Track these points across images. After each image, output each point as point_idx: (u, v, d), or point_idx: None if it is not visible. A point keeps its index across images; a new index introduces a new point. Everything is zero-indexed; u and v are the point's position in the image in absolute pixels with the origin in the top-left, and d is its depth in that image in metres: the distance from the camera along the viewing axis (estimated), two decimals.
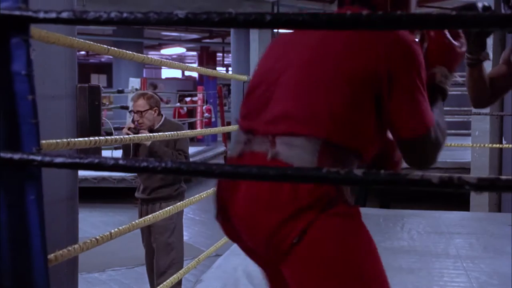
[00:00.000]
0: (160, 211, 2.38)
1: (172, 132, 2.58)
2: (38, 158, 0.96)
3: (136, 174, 3.87)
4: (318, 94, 1.37)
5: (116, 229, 1.92)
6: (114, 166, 0.91)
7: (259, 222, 1.32)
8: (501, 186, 0.71)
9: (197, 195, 2.84)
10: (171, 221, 3.69)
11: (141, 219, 2.14)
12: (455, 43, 1.54)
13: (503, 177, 0.71)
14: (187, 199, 2.64)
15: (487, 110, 6.75)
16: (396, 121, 1.39)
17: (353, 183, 0.74)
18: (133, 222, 2.06)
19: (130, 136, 2.09)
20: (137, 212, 3.97)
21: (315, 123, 1.34)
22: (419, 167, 1.47)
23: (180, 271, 2.86)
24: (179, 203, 2.53)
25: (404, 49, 1.39)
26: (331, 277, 1.30)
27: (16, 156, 0.95)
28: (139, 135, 2.67)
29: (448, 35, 1.54)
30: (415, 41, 1.45)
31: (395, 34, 1.39)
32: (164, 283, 2.64)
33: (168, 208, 2.44)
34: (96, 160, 0.91)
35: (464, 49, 1.58)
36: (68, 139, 1.59)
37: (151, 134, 2.47)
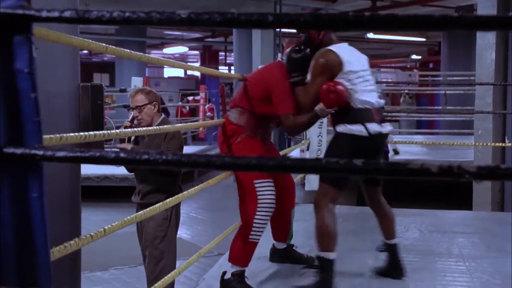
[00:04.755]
0: (151, 207, 2.33)
1: (169, 126, 2.55)
2: (40, 152, 0.96)
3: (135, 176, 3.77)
4: (240, 92, 3.42)
5: (109, 226, 1.91)
6: (115, 159, 0.91)
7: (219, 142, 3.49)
8: (501, 174, 0.71)
9: (196, 187, 2.81)
10: (161, 229, 3.54)
11: (132, 216, 2.15)
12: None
13: (502, 165, 0.71)
14: (185, 192, 2.61)
15: (490, 108, 6.75)
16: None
17: (353, 173, 0.76)
18: (125, 219, 2.07)
19: (128, 130, 2.07)
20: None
21: (238, 102, 3.35)
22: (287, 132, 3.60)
23: (180, 267, 2.85)
24: (175, 197, 2.48)
25: (270, 76, 3.29)
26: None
27: (18, 151, 0.96)
28: (137, 129, 2.63)
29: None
30: (281, 76, 3.22)
31: (269, 73, 3.33)
32: (155, 285, 2.62)
33: (158, 204, 2.39)
34: (97, 154, 0.91)
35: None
36: (69, 134, 1.58)
37: (149, 128, 2.43)
